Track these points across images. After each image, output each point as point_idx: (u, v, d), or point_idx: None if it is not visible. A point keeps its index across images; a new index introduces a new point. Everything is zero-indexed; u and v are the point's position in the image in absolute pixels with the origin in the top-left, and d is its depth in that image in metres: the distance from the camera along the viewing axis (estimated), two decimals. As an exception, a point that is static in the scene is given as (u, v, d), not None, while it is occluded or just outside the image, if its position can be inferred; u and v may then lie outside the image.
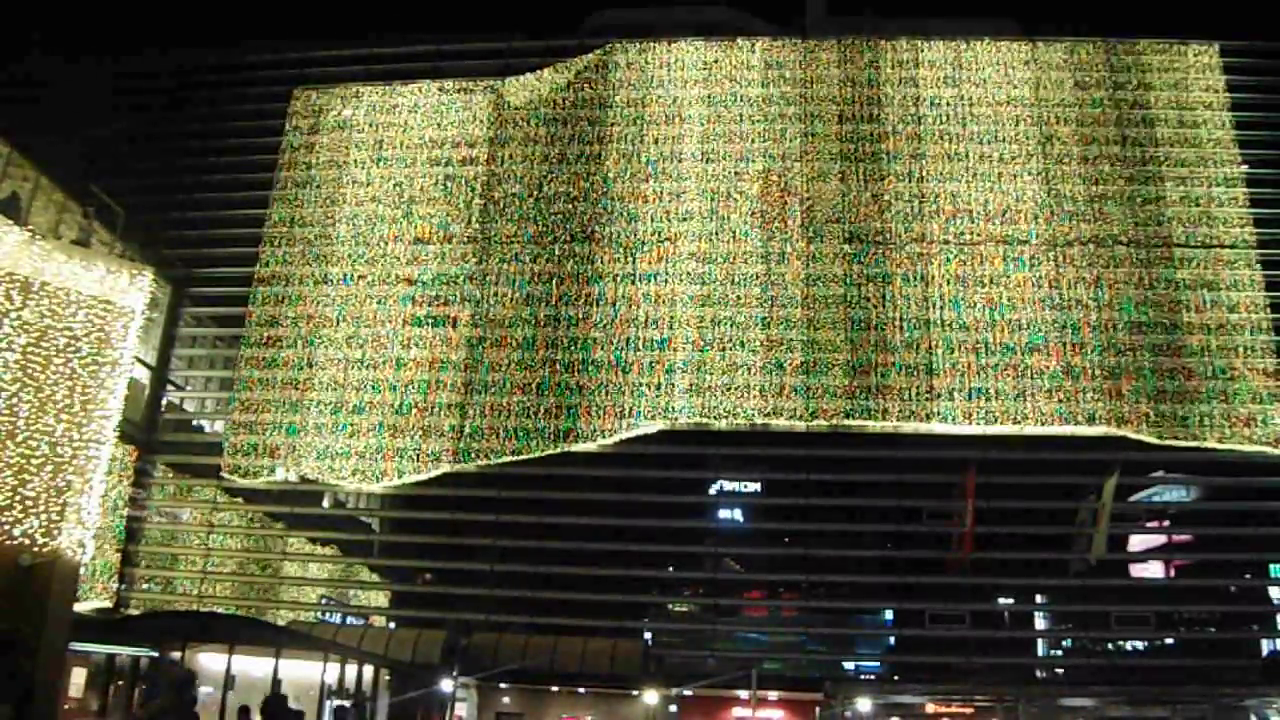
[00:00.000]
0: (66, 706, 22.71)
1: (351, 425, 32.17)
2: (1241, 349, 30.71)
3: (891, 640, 38.78)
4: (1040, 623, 37.34)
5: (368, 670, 30.07)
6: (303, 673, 26.83)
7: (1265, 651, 34.89)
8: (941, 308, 31.57)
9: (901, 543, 34.69)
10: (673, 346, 31.82)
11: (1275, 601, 37.15)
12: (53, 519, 19.58)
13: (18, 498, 19.28)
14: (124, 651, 26.21)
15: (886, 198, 32.86)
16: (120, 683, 26.20)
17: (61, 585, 19.79)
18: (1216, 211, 32.33)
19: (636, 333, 32.10)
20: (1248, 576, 34.91)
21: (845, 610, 36.27)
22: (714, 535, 37.19)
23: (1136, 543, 41.37)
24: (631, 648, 32.26)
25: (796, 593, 36.86)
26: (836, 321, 31.57)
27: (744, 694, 29.77)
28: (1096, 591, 32.57)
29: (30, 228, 21.24)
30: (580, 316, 32.51)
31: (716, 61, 35.24)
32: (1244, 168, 32.99)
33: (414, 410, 32.12)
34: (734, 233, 32.94)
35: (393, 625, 35.66)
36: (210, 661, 26.75)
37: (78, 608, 22.63)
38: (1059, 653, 39.73)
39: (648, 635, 34.38)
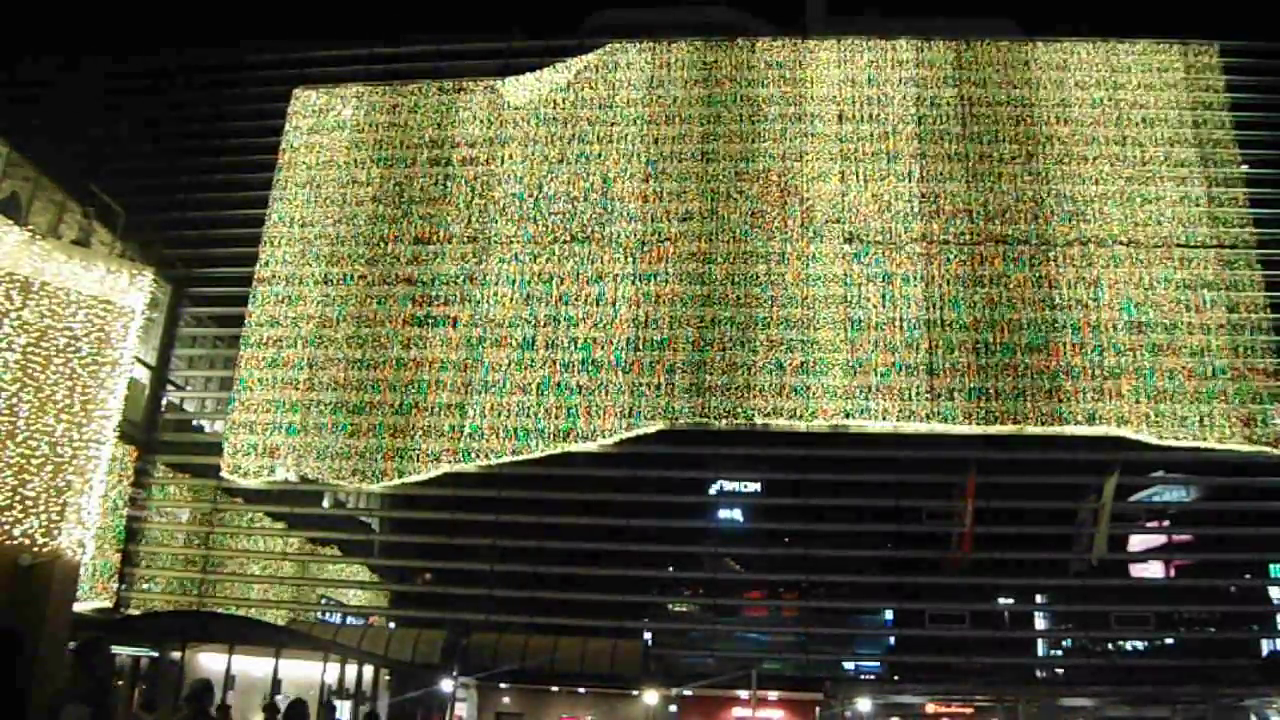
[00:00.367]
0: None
1: (351, 425, 32.14)
2: (1241, 349, 30.68)
3: (891, 640, 38.79)
4: (1040, 623, 37.34)
5: (368, 670, 30.07)
6: (303, 673, 26.85)
7: (1265, 651, 34.94)
8: (941, 308, 31.55)
9: (901, 543, 34.70)
10: (673, 346, 31.82)
11: (1275, 601, 37.16)
12: (53, 519, 19.60)
13: (18, 498, 19.29)
14: (124, 651, 26.23)
15: (886, 198, 32.84)
16: (120, 683, 26.20)
17: (61, 585, 19.80)
18: (1216, 211, 32.28)
19: (636, 333, 32.10)
20: (1247, 576, 34.84)
21: (845, 610, 36.31)
22: (714, 535, 37.22)
23: (1136, 543, 41.34)
24: (631, 648, 32.23)
25: (796, 593, 36.84)
26: (836, 321, 31.53)
27: (744, 694, 29.79)
28: (1096, 591, 32.54)
29: (30, 228, 21.24)
30: (580, 316, 32.51)
31: (716, 61, 35.20)
32: (1244, 168, 32.97)
33: (414, 410, 32.13)
34: (734, 233, 32.91)
35: (392, 625, 35.67)
36: (210, 661, 26.77)
37: (78, 608, 22.62)
38: (1059, 653, 39.77)
39: (648, 635, 34.31)
